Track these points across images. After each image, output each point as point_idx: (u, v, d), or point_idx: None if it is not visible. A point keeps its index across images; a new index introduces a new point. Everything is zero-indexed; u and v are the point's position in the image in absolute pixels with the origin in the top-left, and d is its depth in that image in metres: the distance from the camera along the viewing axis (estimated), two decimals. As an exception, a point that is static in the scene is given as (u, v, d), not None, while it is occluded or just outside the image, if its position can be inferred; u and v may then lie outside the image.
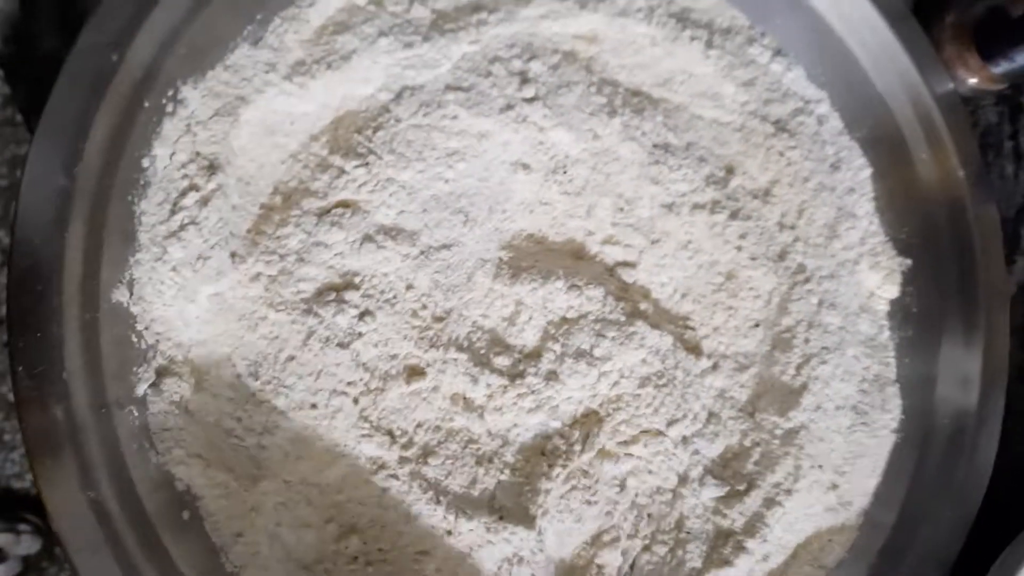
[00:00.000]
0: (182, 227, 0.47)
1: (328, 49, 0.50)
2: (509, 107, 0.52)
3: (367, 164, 0.50)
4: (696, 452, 0.54)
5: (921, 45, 0.58)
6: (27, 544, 0.50)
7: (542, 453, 0.52)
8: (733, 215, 0.56)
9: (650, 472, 0.53)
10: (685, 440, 0.54)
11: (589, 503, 0.52)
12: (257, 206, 0.50)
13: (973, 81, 0.64)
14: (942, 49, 0.63)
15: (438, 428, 0.51)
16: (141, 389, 0.46)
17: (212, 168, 0.48)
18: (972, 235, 0.57)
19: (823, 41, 0.57)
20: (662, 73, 0.56)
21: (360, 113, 0.51)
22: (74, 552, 0.42)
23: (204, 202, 0.47)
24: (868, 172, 0.58)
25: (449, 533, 0.50)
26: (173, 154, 0.47)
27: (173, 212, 0.47)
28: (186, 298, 0.47)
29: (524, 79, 0.53)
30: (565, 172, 0.54)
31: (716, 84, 0.57)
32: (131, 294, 0.46)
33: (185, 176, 0.47)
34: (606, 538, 0.52)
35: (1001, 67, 0.61)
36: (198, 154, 0.47)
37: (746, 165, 0.56)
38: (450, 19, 0.52)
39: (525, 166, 0.53)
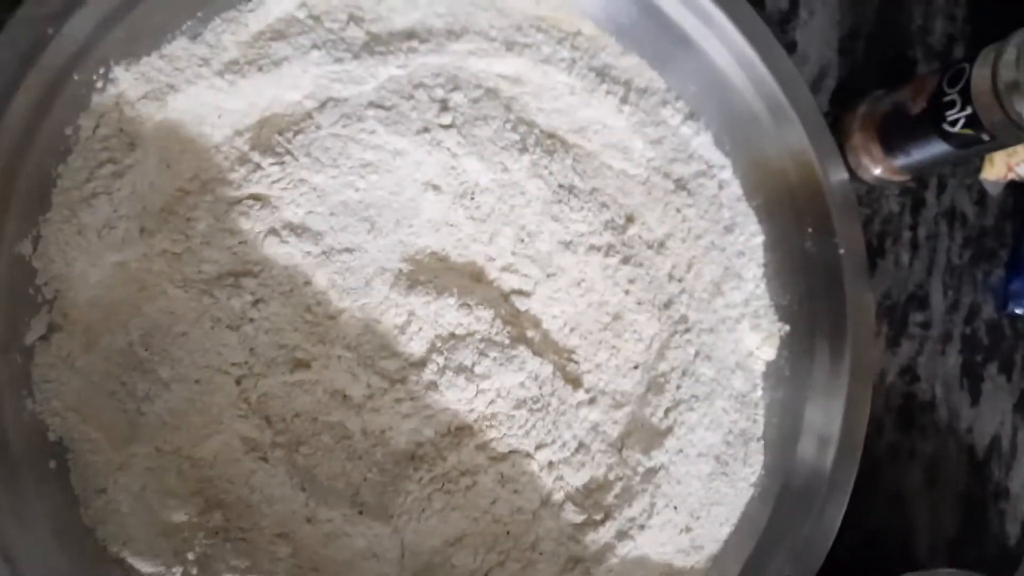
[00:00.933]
0: (94, 195, 0.50)
1: (262, 53, 0.54)
2: (426, 130, 0.56)
3: (283, 163, 0.54)
4: (560, 478, 0.57)
5: (825, 136, 0.62)
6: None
7: (411, 458, 0.55)
8: (626, 260, 0.59)
9: (515, 492, 0.56)
10: (551, 465, 0.57)
11: (453, 508, 0.54)
12: (174, 188, 0.53)
13: (877, 171, 0.68)
14: (851, 137, 0.68)
15: (315, 420, 0.53)
16: (30, 339, 0.49)
17: (132, 146, 0.51)
18: (846, 314, 0.60)
19: (733, 113, 0.62)
20: (578, 120, 0.60)
21: (284, 116, 0.55)
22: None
23: (119, 175, 0.50)
24: (760, 239, 0.62)
25: (309, 520, 0.52)
26: (97, 127, 0.50)
27: (88, 180, 0.50)
28: (89, 262, 0.50)
29: (444, 107, 0.56)
30: (472, 198, 0.57)
31: (627, 138, 0.61)
32: (35, 249, 0.49)
33: (105, 149, 0.50)
34: (466, 542, 0.54)
35: (900, 160, 0.66)
36: (121, 131, 0.51)
37: (645, 216, 0.60)
38: (382, 42, 0.56)
39: (435, 187, 0.57)
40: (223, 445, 0.52)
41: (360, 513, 0.53)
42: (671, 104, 0.62)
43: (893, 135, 0.65)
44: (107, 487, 0.50)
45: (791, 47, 0.69)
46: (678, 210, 0.61)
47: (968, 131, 0.58)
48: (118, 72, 0.50)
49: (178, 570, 0.50)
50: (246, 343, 0.52)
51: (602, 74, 0.60)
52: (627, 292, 0.59)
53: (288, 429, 0.53)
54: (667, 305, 0.60)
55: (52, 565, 0.48)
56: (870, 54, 0.72)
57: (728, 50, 0.61)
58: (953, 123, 0.58)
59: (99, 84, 0.50)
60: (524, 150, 0.58)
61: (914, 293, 0.72)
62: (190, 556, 0.51)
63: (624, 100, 0.61)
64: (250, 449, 0.52)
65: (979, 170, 0.74)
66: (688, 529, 0.59)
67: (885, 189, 0.72)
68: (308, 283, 0.54)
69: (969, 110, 0.57)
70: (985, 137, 0.57)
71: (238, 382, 0.52)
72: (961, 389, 0.72)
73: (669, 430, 0.59)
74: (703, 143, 0.62)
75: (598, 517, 0.57)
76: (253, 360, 0.53)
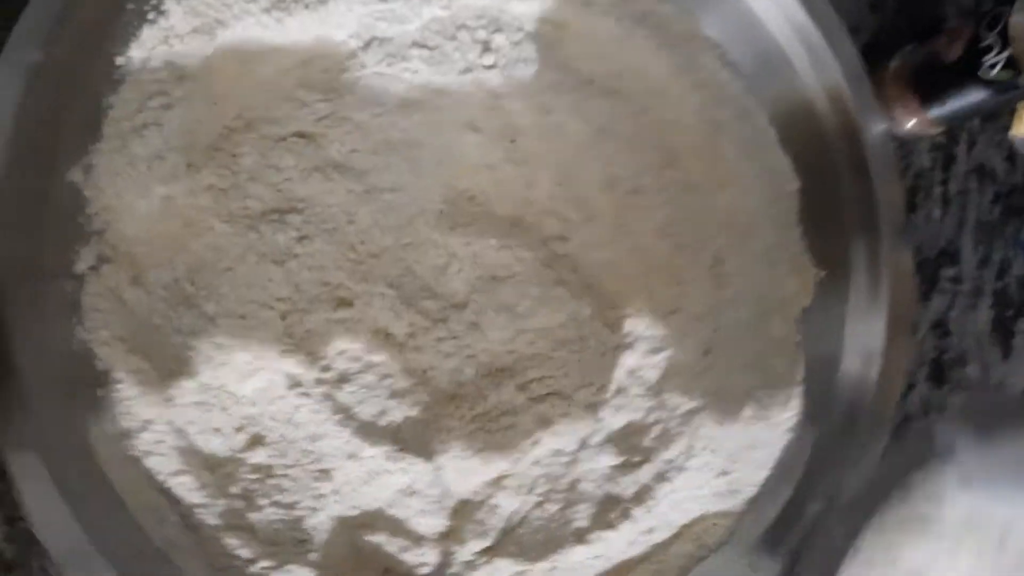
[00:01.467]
0: (145, 125, 0.50)
1: (307, -10, 0.54)
2: (468, 70, 0.56)
3: (328, 100, 0.54)
4: (600, 420, 0.57)
5: (864, 83, 0.62)
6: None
7: (452, 397, 0.55)
8: (664, 203, 0.59)
9: (554, 433, 0.56)
10: (590, 407, 0.57)
11: (493, 448, 0.54)
12: (220, 126, 0.53)
13: (911, 124, 0.68)
14: (885, 90, 0.68)
15: (357, 358, 0.53)
16: (80, 268, 0.49)
17: (182, 79, 0.51)
18: (882, 262, 0.60)
19: (772, 58, 0.62)
20: (617, 65, 0.60)
21: (330, 55, 0.55)
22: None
23: (168, 107, 0.51)
24: (796, 185, 0.62)
25: (351, 457, 0.52)
26: (148, 59, 0.51)
27: (139, 111, 0.51)
28: (138, 193, 0.50)
29: (486, 48, 0.57)
30: (513, 141, 0.57)
31: (665, 83, 0.61)
32: (86, 177, 0.49)
33: (156, 80, 0.51)
34: (505, 482, 0.55)
35: (935, 111, 0.66)
36: (171, 63, 0.51)
37: (683, 160, 0.60)
38: (426, -19, 0.56)
39: (476, 128, 0.57)
40: (268, 382, 0.52)
41: (402, 450, 0.53)
42: (709, 50, 0.62)
43: (928, 85, 0.65)
44: (154, 419, 0.50)
45: (825, 2, 0.69)
46: (715, 154, 0.61)
47: (1006, 75, 0.58)
48: (169, 5, 0.51)
49: (222, 502, 0.51)
50: (291, 279, 0.53)
51: (642, 20, 0.60)
52: (666, 235, 0.59)
53: (332, 367, 0.53)
54: (705, 248, 0.60)
55: (100, 494, 0.48)
56: (901, 10, 0.72)
57: (767, -6, 0.61)
58: (991, 67, 0.58)
59: (150, 15, 0.50)
60: (565, 92, 0.58)
61: (945, 248, 0.72)
62: (233, 490, 0.51)
63: (662, 45, 0.61)
64: (294, 384, 0.52)
65: (1008, 128, 0.74)
66: (725, 472, 0.59)
67: (917, 143, 0.72)
68: (351, 221, 0.54)
69: (1008, 52, 0.57)
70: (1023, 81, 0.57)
71: (283, 317, 0.53)
72: (992, 344, 0.72)
73: (707, 371, 0.59)
74: (741, 88, 0.62)
75: (636, 459, 0.57)
76: (298, 296, 0.53)
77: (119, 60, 0.50)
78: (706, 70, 0.62)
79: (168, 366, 0.51)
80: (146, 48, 0.51)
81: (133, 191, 0.50)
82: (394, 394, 0.54)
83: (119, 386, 0.50)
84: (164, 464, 0.50)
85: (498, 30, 0.58)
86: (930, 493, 0.41)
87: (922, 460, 0.41)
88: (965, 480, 0.41)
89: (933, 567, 0.40)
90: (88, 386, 0.49)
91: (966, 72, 0.61)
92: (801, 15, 0.60)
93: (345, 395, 0.53)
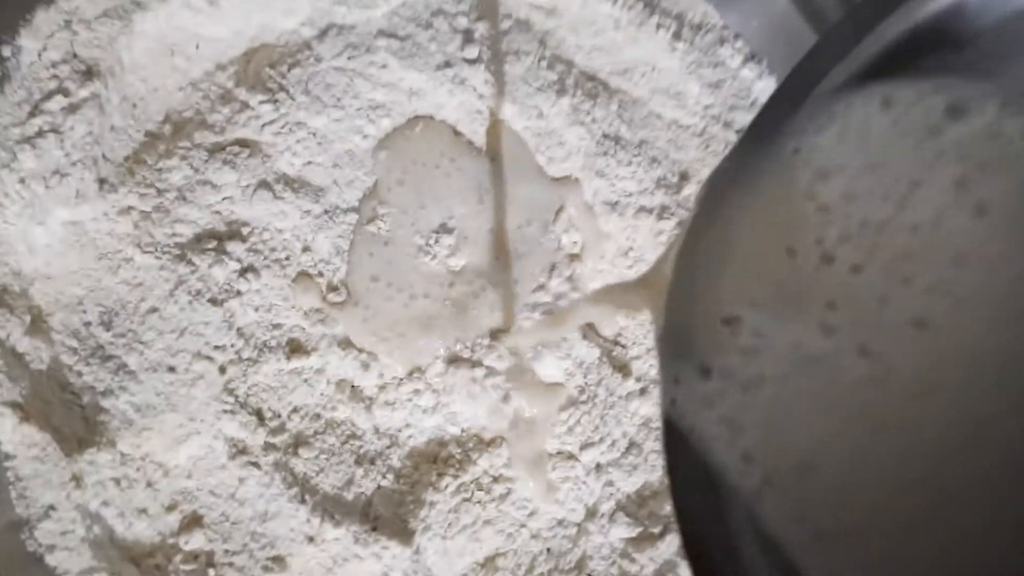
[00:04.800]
0: (40, 133, 0.45)
1: (250, -33, 0.46)
2: (447, 65, 0.50)
3: (276, 102, 0.49)
4: (610, 484, 0.50)
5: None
6: None
7: (433, 461, 0.49)
8: (680, 225, 0.51)
9: (557, 501, 0.49)
10: (599, 468, 0.50)
11: (484, 521, 0.48)
12: (142, 132, 0.48)
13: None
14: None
15: (317, 416, 0.48)
16: (-42, 314, 0.40)
17: (89, 74, 0.45)
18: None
19: (800, 52, 0.54)
20: (623, 61, 0.55)
21: (278, 46, 0.50)
22: None
23: (72, 110, 0.44)
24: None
25: (311, 540, 0.46)
26: (44, 49, 0.45)
27: (32, 115, 0.45)
28: (34, 218, 0.45)
29: (468, 38, 0.51)
30: (493, 160, 0.51)
31: (680, 82, 0.55)
32: (-37, 201, 0.41)
33: (55, 77, 0.45)
34: (500, 563, 0.48)
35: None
36: (75, 56, 0.45)
37: (701, 173, 0.54)
38: (395, -42, 0.49)
39: (459, 133, 0.49)
40: (205, 449, 0.46)
41: (373, 529, 0.46)
42: (730, 42, 0.56)
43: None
44: (57, 504, 0.44)
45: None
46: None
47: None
48: (71, -20, 0.43)
49: (149, 605, 0.43)
50: (232, 321, 0.47)
51: (651, 6, 0.54)
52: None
53: (284, 428, 0.47)
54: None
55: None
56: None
57: (795, -20, 0.56)
58: None
59: (46, -6, 0.43)
60: (563, 92, 0.52)
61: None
62: (165, 587, 0.45)
63: (677, 37, 0.55)
64: (237, 452, 0.46)
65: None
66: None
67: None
68: (307, 249, 0.48)
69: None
70: None
71: (222, 370, 0.47)
72: None
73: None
74: (767, 88, 0.56)
75: (655, 530, 0.50)
76: (241, 343, 0.47)
77: (4, 51, 0.44)
78: (726, 66, 0.56)
79: (76, 435, 0.45)
80: (41, 36, 0.44)
81: (27, 216, 0.44)
82: (362, 460, 0.47)
83: (11, 464, 0.43)
84: (72, 560, 0.44)
85: (482, 17, 0.51)
86: None
87: None
88: None
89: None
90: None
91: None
92: (830, 2, 0.53)
93: (301, 463, 0.47)
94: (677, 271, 0.29)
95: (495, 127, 0.50)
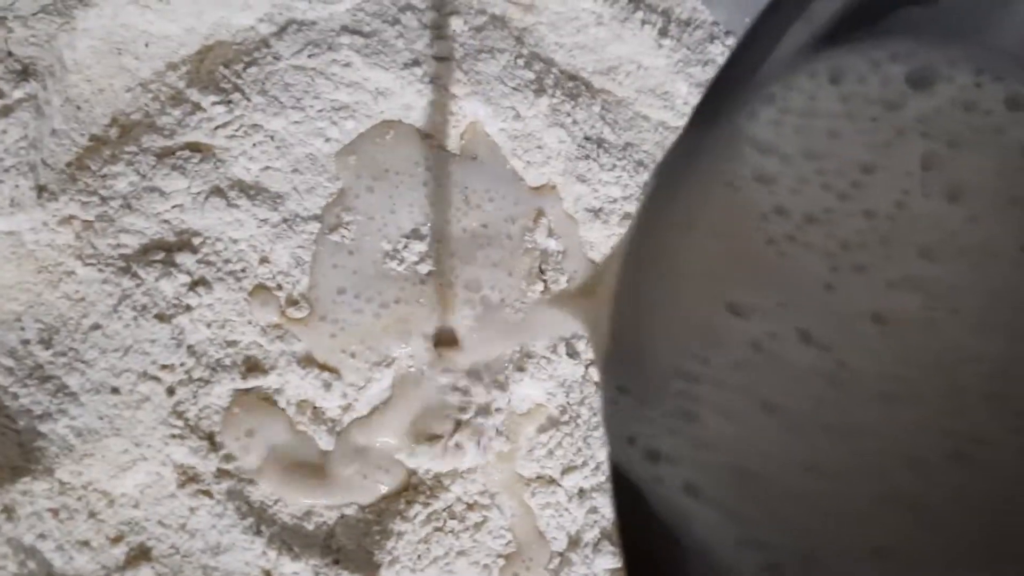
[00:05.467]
0: None
1: (202, -40, 0.43)
2: (416, 63, 0.48)
3: (230, 103, 0.46)
4: (594, 510, 0.48)
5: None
6: None
7: (403, 490, 0.46)
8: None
9: (537, 530, 0.47)
10: (582, 493, 0.48)
11: (458, 553, 0.45)
12: (86, 136, 0.45)
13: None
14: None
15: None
16: None
17: (25, 74, 0.42)
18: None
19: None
20: (606, 59, 0.53)
21: (233, 44, 0.47)
22: None
23: (5, 112, 0.42)
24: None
25: (267, 574, 0.43)
26: None
27: None
28: None
29: (439, 35, 0.49)
30: (475, 158, 0.48)
31: (667, 81, 0.53)
32: None
33: None
34: None
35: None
36: (9, 54, 0.42)
37: None
38: (359, -50, 0.46)
39: (428, 136, 0.47)
40: (152, 476, 0.43)
41: (336, 563, 0.44)
42: (720, 39, 0.55)
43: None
44: None
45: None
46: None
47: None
48: (3, -27, 0.40)
49: (90, 647, 0.40)
50: (181, 338, 0.44)
51: (636, 1, 0.53)
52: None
53: (238, 454, 0.44)
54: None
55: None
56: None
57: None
58: None
59: (-25, -12, 0.40)
60: (541, 92, 0.50)
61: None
62: (108, 626, 0.42)
63: (664, 33, 0.53)
64: (187, 480, 0.43)
65: None
66: None
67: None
68: (265, 260, 0.45)
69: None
70: None
71: (171, 391, 0.43)
72: None
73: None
74: None
75: None
76: (191, 362, 0.44)
77: (-70, 48, 0.41)
78: (715, 64, 0.54)
79: (9, 463, 0.41)
80: (-29, 33, 0.42)
81: (-44, 226, 0.41)
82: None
83: (-64, 495, 0.40)
84: (4, 599, 0.41)
85: (454, 12, 0.49)
86: None
87: None
88: None
89: None
90: None
91: None
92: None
93: (257, 491, 0.44)
94: (619, 286, 0.26)
95: (468, 129, 0.47)
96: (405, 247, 0.45)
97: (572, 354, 0.48)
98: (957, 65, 0.24)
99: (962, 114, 0.24)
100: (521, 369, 0.47)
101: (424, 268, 0.45)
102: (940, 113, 0.24)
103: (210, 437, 0.43)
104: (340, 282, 0.45)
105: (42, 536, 0.41)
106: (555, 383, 0.47)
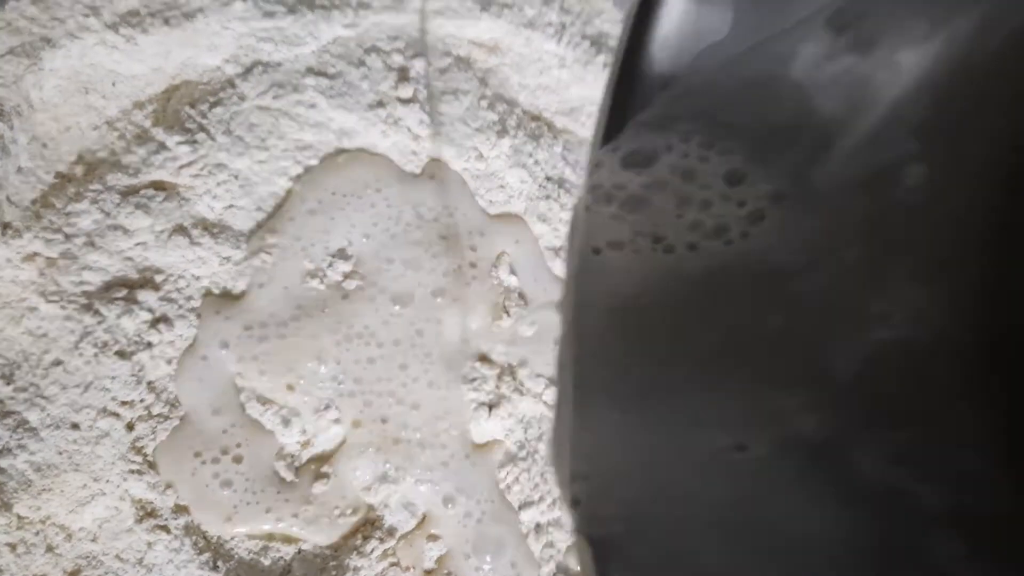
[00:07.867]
0: None
1: (170, 2, 0.43)
2: (380, 104, 0.48)
3: (195, 142, 0.45)
4: (550, 545, 0.47)
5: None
6: None
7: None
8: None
9: (494, 571, 0.46)
10: (539, 528, 0.47)
11: None
12: (52, 174, 0.44)
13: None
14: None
15: None
16: None
17: None
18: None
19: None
20: (569, 100, 0.53)
21: (199, 84, 0.46)
22: None
23: None
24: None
25: None
26: None
27: None
28: None
29: (403, 76, 0.48)
30: (433, 177, 0.47)
31: None
32: None
33: None
34: None
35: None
36: None
37: None
38: (326, -7, 0.46)
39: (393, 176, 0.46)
40: (111, 511, 0.43)
41: None
42: None
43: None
44: None
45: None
46: (693, 211, 0.51)
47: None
48: (-30, 16, 0.40)
49: None
50: (141, 375, 0.43)
51: (598, 43, 0.52)
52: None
53: None
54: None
55: None
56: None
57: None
58: None
59: (-58, 30, 0.39)
60: (504, 133, 0.50)
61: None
62: (65, 662, 0.42)
63: None
64: (145, 515, 0.43)
65: None
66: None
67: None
68: None
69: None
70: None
71: (130, 427, 0.43)
72: None
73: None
74: None
75: None
76: (151, 398, 0.44)
77: None
78: None
79: None
80: (-63, 73, 0.42)
81: (-82, 263, 0.41)
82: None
83: None
84: (-41, 636, 0.40)
85: (418, 55, 0.49)
86: None
87: None
88: None
89: None
90: None
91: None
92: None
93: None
94: None
95: (430, 165, 0.48)
96: (330, 265, 0.45)
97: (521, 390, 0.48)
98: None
99: None
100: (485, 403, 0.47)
101: (350, 285, 0.45)
102: None
103: (168, 473, 0.44)
104: (271, 308, 0.45)
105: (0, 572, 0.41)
106: (514, 420, 0.48)
